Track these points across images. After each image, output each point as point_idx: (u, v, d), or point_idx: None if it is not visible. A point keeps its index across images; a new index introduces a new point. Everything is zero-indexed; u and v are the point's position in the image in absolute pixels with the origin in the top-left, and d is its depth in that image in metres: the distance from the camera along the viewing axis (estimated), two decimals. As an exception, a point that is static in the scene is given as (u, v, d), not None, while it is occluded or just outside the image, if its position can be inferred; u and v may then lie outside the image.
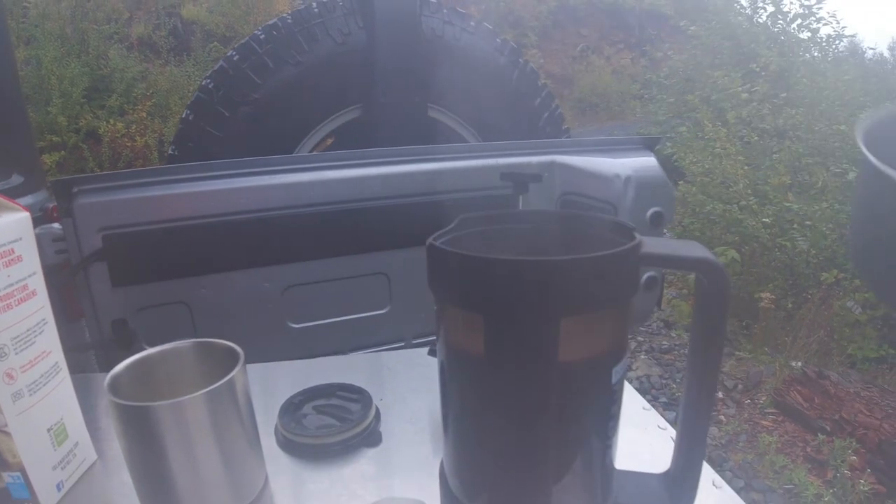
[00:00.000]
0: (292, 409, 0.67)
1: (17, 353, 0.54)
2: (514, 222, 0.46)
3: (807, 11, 5.60)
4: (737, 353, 3.46)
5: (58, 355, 0.59)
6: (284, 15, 1.38)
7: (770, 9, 5.82)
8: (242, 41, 1.38)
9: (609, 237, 0.41)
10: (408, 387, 0.76)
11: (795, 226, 3.67)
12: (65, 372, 0.60)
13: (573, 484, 0.40)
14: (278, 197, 1.16)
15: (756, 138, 4.46)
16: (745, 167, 4.18)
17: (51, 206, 1.22)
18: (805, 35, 5.78)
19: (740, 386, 3.13)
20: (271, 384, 0.76)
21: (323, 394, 0.69)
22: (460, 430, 0.42)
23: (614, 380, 0.38)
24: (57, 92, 4.95)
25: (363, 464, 0.61)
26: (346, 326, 1.29)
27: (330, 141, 1.57)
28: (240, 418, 0.53)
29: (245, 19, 6.35)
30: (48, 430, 0.57)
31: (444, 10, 1.46)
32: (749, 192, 3.97)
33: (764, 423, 2.77)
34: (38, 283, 0.57)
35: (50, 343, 0.58)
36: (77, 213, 1.04)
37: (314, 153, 1.45)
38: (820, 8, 5.54)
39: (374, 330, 1.35)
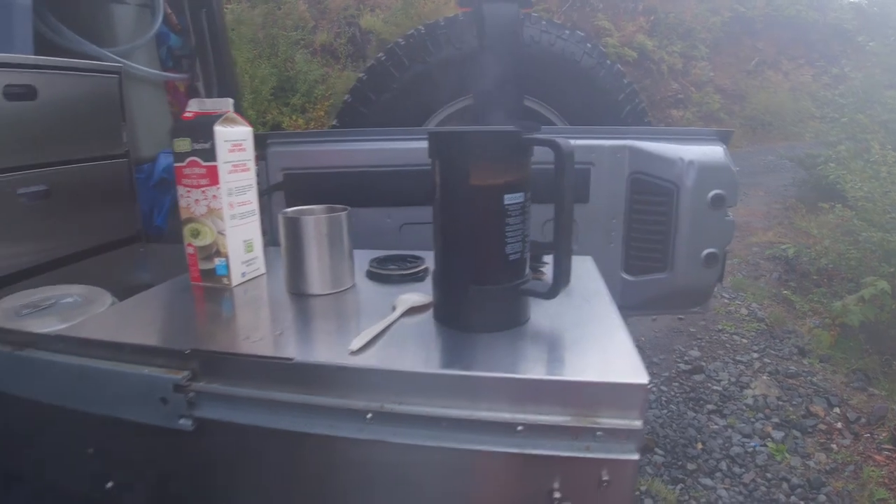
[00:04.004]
0: (378, 261, 1.12)
1: (235, 196, 1.04)
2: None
3: None
4: (870, 388, 3.30)
5: (255, 205, 1.09)
6: (419, 27, 1.86)
7: (955, 25, 5.24)
8: (389, 46, 1.89)
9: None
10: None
11: (958, 262, 3.38)
12: (257, 215, 1.10)
13: (485, 260, 0.79)
14: (404, 157, 1.59)
15: (927, 165, 4.11)
16: (911, 195, 3.89)
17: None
18: None
19: (863, 420, 3.01)
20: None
21: (398, 258, 1.14)
22: (436, 231, 0.83)
23: (506, 202, 0.76)
24: (249, 89, 5.68)
25: (410, 286, 1.03)
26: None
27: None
28: (341, 238, 0.99)
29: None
30: (243, 242, 1.07)
31: (543, 22, 1.85)
32: (914, 222, 3.71)
33: (877, 457, 2.67)
34: (251, 165, 1.07)
35: (251, 198, 1.08)
36: (269, 157, 1.56)
37: (427, 128, 1.91)
38: None
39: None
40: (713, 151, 1.71)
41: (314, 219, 0.97)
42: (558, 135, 0.79)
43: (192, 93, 1.63)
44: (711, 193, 1.68)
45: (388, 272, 1.05)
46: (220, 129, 1.00)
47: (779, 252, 4.94)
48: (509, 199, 0.76)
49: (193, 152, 1.01)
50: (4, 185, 1.16)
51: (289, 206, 1.61)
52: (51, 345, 0.85)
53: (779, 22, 9.02)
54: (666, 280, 1.75)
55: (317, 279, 0.98)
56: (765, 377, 3.52)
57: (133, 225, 1.43)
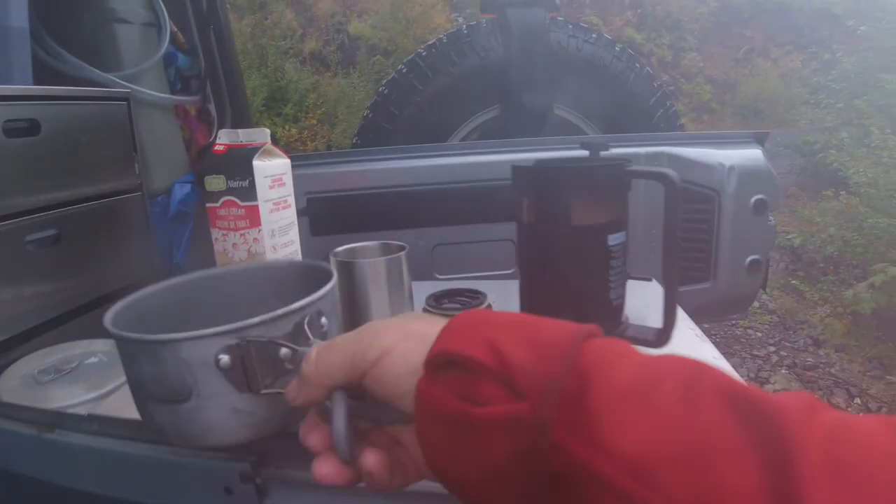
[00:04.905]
0: (433, 298, 1.01)
1: (279, 237, 0.94)
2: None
3: None
4: (888, 376, 3.27)
5: (296, 246, 0.99)
6: (441, 36, 1.77)
7: (946, 7, 5.26)
8: (409, 57, 1.79)
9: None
10: (513, 294, 1.06)
11: (969, 245, 3.37)
12: (299, 256, 1.00)
13: (586, 308, 0.70)
14: (433, 175, 1.50)
15: (930, 147, 4.11)
16: (917, 178, 3.89)
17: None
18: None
19: (885, 409, 2.99)
20: (422, 291, 1.11)
21: (455, 293, 1.03)
22: (525, 274, 0.73)
23: (611, 243, 0.67)
24: (242, 101, 5.66)
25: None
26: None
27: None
28: (401, 280, 0.88)
29: (405, 33, 6.79)
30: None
31: (570, 26, 1.76)
32: (920, 206, 3.71)
33: (897, 446, 2.64)
34: (291, 201, 0.97)
35: (294, 237, 0.98)
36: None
37: (459, 143, 1.82)
38: None
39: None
40: (753, 155, 1.66)
41: (371, 263, 0.86)
42: (664, 168, 0.69)
43: (204, 116, 1.53)
44: (754, 198, 1.64)
45: (451, 313, 0.95)
46: (259, 164, 0.90)
47: (784, 241, 4.91)
48: (613, 239, 0.67)
49: (229, 191, 0.90)
50: (10, 234, 1.05)
51: (314, 233, 1.52)
52: (83, 426, 0.74)
53: (766, 9, 9.03)
54: (709, 290, 1.69)
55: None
56: (784, 371, 3.49)
57: (151, 264, 1.32)
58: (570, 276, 0.68)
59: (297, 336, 0.49)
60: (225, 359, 0.47)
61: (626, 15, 8.73)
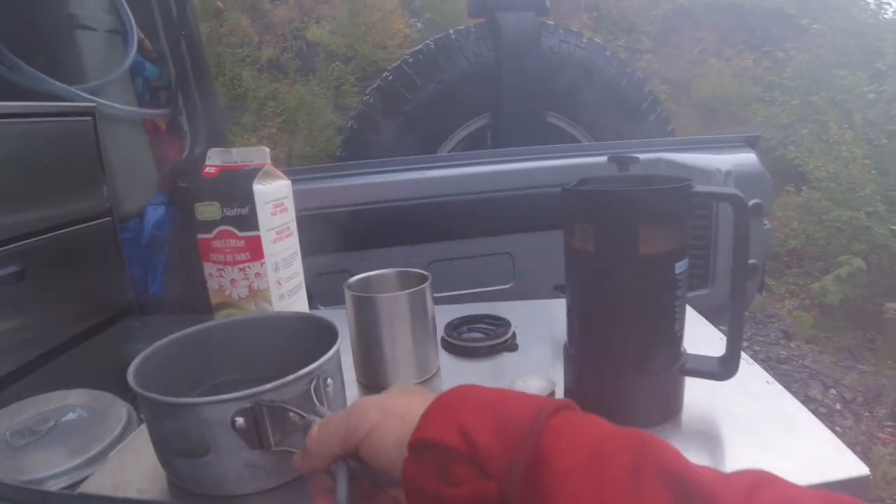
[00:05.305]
0: (453, 326, 0.93)
1: (283, 270, 0.84)
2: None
3: (935, 7, 5.21)
4: (859, 366, 3.34)
5: (301, 277, 0.89)
6: (429, 41, 1.68)
7: (896, 4, 5.48)
8: (396, 64, 1.70)
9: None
10: (536, 319, 0.99)
11: (928, 234, 3.49)
12: (303, 289, 0.90)
13: (651, 342, 0.63)
14: (424, 188, 1.43)
15: (885, 141, 4.24)
16: (873, 171, 4.00)
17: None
18: (934, 32, 5.37)
19: (860, 398, 3.05)
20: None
21: (475, 320, 0.95)
22: (580, 306, 0.66)
23: (677, 271, 0.60)
24: (200, 110, 5.52)
25: (504, 361, 0.85)
26: (476, 298, 1.54)
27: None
28: (426, 315, 0.79)
29: (364, 39, 6.65)
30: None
31: (561, 31, 1.70)
32: (878, 197, 3.81)
33: (881, 435, 2.69)
34: (293, 227, 0.88)
35: (298, 268, 0.89)
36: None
37: (453, 153, 1.74)
38: (950, 3, 5.14)
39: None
40: (748, 159, 1.65)
41: (393, 298, 0.77)
42: (732, 189, 0.63)
43: (175, 130, 1.41)
44: (751, 203, 1.61)
45: (474, 344, 0.87)
46: (260, 189, 0.80)
47: (747, 236, 4.99)
48: (679, 267, 0.61)
49: (225, 220, 0.80)
50: (-32, 272, 0.92)
51: (303, 252, 1.42)
52: (74, 504, 0.63)
53: (718, 10, 9.23)
54: (708, 296, 1.66)
55: (401, 368, 0.78)
56: (758, 365, 3.53)
57: (125, 296, 1.20)
58: (635, 309, 0.61)
59: (306, 398, 0.55)
60: (240, 420, 0.53)
61: (582, 18, 8.79)
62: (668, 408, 0.67)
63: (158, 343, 0.65)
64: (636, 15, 9.15)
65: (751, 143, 1.67)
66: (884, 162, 4.19)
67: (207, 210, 0.80)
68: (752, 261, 1.77)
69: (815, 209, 4.27)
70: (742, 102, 8.66)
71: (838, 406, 2.98)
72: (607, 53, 1.73)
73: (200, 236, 0.81)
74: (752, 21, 9.01)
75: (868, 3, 5.98)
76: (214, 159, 0.84)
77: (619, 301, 0.61)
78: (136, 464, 0.67)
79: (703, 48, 9.18)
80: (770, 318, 4.19)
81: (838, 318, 3.85)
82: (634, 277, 0.60)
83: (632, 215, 0.58)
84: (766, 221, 1.65)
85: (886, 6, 5.61)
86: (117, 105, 1.24)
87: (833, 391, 3.22)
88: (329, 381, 0.60)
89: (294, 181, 1.39)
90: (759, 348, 3.62)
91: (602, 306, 0.63)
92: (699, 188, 0.60)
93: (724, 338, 0.96)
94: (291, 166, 5.53)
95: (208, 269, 0.82)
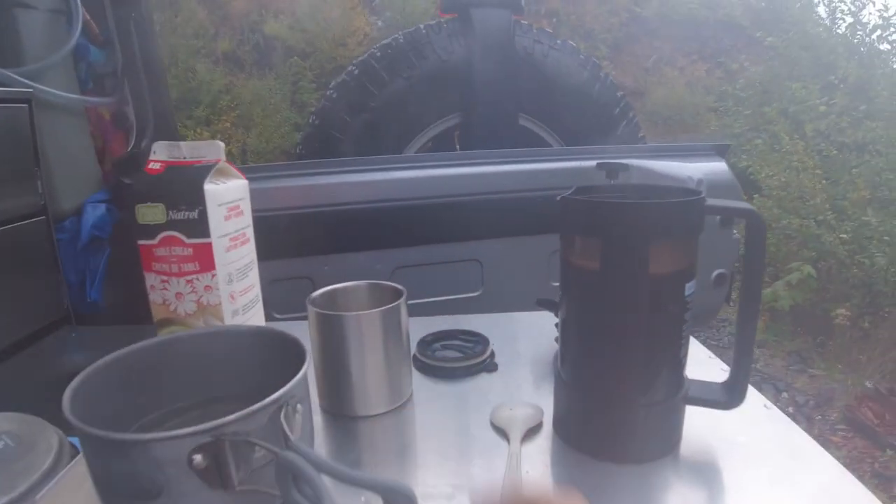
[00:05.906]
0: (425, 344, 0.85)
1: (237, 282, 0.75)
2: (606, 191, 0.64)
3: (886, 23, 5.44)
4: (809, 370, 3.42)
5: (257, 290, 0.80)
6: (397, 35, 1.60)
7: (849, 20, 5.69)
8: (362, 58, 1.61)
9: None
10: (516, 335, 0.93)
11: (874, 242, 3.60)
12: (260, 302, 0.81)
13: (657, 369, 0.57)
14: (389, 190, 1.36)
15: (835, 152, 4.38)
16: (824, 181, 4.12)
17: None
18: (885, 47, 5.61)
19: (812, 402, 3.12)
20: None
21: (449, 336, 0.88)
22: (578, 327, 0.59)
23: (687, 293, 0.54)
24: (149, 102, 5.31)
25: (483, 384, 0.78)
26: (443, 306, 1.48)
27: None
28: (400, 336, 0.71)
29: (324, 35, 6.53)
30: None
31: (535, 31, 1.65)
32: (827, 206, 3.93)
33: (833, 438, 2.75)
34: (250, 233, 0.78)
35: (254, 279, 0.79)
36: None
37: (420, 153, 1.66)
38: (901, 19, 5.37)
39: (466, 311, 1.54)
40: (719, 168, 1.64)
41: (364, 316, 0.68)
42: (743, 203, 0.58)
43: (120, 120, 1.29)
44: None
45: (450, 365, 0.80)
46: (212, 189, 0.70)
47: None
48: (689, 288, 0.55)
49: (171, 224, 0.70)
50: None
51: (258, 256, 1.32)
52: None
53: (673, 20, 9.44)
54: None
55: (371, 395, 0.70)
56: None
57: (60, 304, 1.08)
58: (642, 333, 0.55)
59: (274, 428, 0.48)
60: (198, 458, 0.45)
61: (542, 24, 8.88)
62: (669, 439, 0.61)
63: (99, 363, 0.56)
64: (595, 21, 9.28)
65: (720, 152, 1.66)
66: (833, 172, 4.32)
67: (150, 212, 0.70)
68: (720, 271, 1.75)
69: (766, 217, 4.38)
70: (694, 111, 8.88)
71: (791, 409, 3.04)
72: (581, 57, 1.69)
73: (142, 242, 0.71)
74: (705, 32, 9.26)
75: (821, 18, 6.20)
76: (160, 154, 0.74)
77: (625, 323, 0.55)
78: (72, 496, 0.58)
79: (657, 57, 9.38)
80: (722, 323, 4.26)
81: (788, 323, 3.94)
82: (644, 299, 0.53)
83: (644, 230, 0.51)
84: (734, 231, 1.65)
85: (840, 21, 5.82)
86: (57, 91, 1.12)
87: (785, 394, 3.28)
88: (299, 406, 0.52)
89: (249, 179, 1.30)
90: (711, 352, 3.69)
91: (605, 328, 0.56)
92: (712, 202, 0.55)
93: (712, 355, 0.93)
94: (246, 163, 5.36)
95: (150, 279, 0.72)
